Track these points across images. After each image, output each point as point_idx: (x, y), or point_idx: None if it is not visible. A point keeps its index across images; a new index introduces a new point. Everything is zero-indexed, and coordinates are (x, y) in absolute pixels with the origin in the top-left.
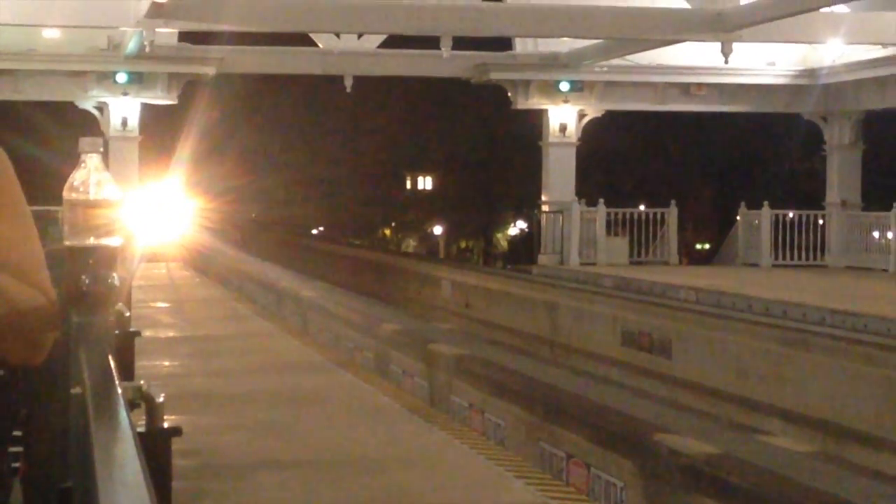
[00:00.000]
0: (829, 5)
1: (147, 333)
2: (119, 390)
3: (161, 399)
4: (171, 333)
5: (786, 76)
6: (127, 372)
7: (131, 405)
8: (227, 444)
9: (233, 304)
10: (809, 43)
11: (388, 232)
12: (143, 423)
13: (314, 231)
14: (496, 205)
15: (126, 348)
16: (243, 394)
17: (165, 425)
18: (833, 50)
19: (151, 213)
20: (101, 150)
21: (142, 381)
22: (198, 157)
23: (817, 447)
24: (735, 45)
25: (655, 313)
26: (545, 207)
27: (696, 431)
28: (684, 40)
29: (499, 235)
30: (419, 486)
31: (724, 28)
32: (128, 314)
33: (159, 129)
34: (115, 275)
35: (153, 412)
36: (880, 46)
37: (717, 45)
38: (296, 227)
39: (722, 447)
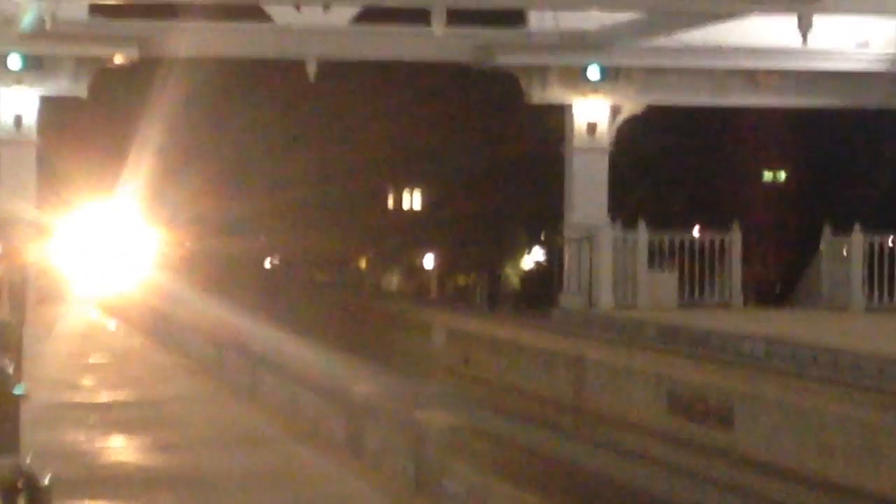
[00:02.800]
0: None
1: (44, 396)
2: None
3: (47, 481)
4: (79, 398)
5: (883, 61)
6: (8, 444)
7: (8, 489)
8: None
9: (160, 356)
10: None
11: (363, 264)
12: None
13: (266, 265)
14: (505, 229)
15: (7, 415)
16: (170, 477)
17: None
18: None
19: (86, 246)
20: None
21: (24, 458)
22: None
23: None
24: (816, 20)
25: (712, 372)
26: (569, 232)
27: None
28: (750, 13)
29: (509, 270)
30: None
31: None
32: (11, 371)
33: (65, 133)
34: None
35: (36, 499)
36: None
37: (793, 19)
38: (234, 258)
39: None
